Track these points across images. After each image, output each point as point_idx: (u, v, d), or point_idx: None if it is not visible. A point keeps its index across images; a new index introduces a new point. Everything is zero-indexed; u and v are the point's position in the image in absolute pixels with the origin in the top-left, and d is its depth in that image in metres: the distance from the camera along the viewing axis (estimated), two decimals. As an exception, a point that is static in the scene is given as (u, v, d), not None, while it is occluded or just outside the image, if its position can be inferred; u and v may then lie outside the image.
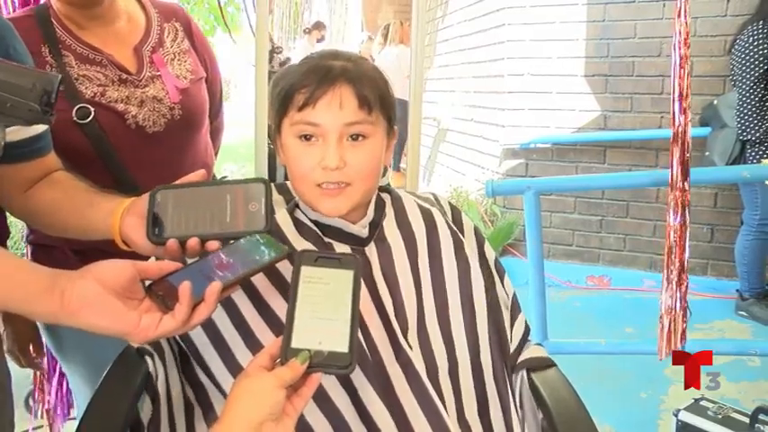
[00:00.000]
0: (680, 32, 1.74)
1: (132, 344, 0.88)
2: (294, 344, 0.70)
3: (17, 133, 0.88)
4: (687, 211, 1.82)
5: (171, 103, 1.17)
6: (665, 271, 1.85)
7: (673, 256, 1.83)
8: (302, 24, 9.88)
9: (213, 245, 0.78)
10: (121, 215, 0.84)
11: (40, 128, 0.92)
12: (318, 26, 8.18)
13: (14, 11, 1.44)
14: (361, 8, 9.36)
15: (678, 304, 1.84)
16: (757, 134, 2.90)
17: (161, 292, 0.73)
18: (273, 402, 0.66)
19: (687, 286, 1.85)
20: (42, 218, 0.95)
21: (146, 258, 0.84)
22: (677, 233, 1.82)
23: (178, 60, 1.22)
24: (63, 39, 1.12)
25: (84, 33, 1.14)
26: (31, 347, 1.28)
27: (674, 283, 1.83)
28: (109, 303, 0.70)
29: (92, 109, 1.09)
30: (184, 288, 0.71)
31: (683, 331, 1.85)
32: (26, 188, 0.94)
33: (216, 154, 1.43)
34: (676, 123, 1.78)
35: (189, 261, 0.83)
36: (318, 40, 7.74)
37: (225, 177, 1.37)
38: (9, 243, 1.24)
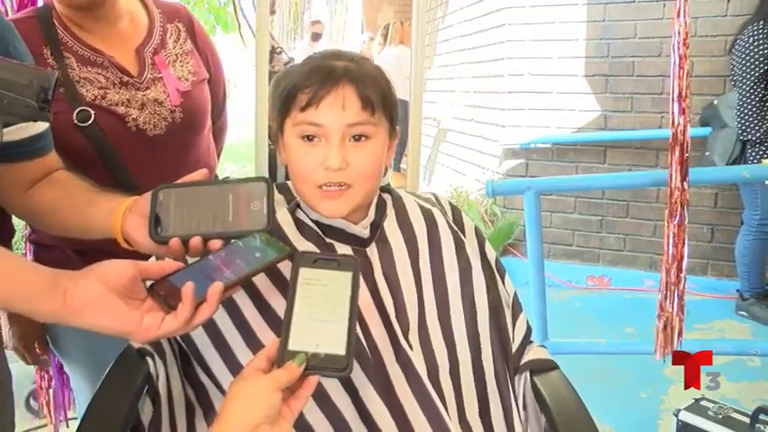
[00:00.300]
0: (679, 33, 1.74)
1: (133, 344, 0.88)
2: (291, 346, 0.69)
3: (18, 132, 0.88)
4: (686, 211, 1.83)
5: (172, 106, 1.17)
6: (663, 271, 1.86)
7: (670, 258, 1.84)
8: (302, 25, 9.87)
9: (215, 244, 0.78)
10: (123, 214, 0.83)
11: (41, 127, 0.92)
12: (315, 23, 8.18)
13: (15, 12, 1.44)
14: (362, 8, 9.35)
15: (675, 304, 1.85)
16: (757, 134, 2.90)
17: (163, 292, 0.73)
18: (269, 405, 0.65)
19: (685, 286, 1.86)
20: (43, 217, 0.95)
21: (146, 258, 0.84)
22: (675, 233, 1.83)
23: (180, 62, 1.22)
24: (65, 41, 1.12)
25: (85, 35, 1.14)
26: (36, 345, 1.28)
27: (671, 283, 1.84)
28: (111, 303, 0.70)
29: (92, 112, 1.09)
30: (187, 288, 0.71)
31: (680, 331, 1.85)
32: (27, 188, 0.94)
33: (219, 155, 1.43)
34: (675, 124, 1.78)
35: (190, 261, 0.83)
36: (315, 38, 7.74)
37: (227, 178, 1.37)
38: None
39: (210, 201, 0.80)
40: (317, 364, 0.69)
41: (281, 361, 0.68)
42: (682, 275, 1.84)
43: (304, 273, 0.74)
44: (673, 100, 1.78)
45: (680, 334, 1.86)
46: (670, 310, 1.85)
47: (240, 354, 0.87)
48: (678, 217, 1.82)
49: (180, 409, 0.90)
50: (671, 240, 1.83)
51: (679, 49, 1.75)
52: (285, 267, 0.88)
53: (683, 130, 1.78)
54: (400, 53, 5.74)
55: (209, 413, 0.90)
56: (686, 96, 1.77)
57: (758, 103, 2.89)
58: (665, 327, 1.86)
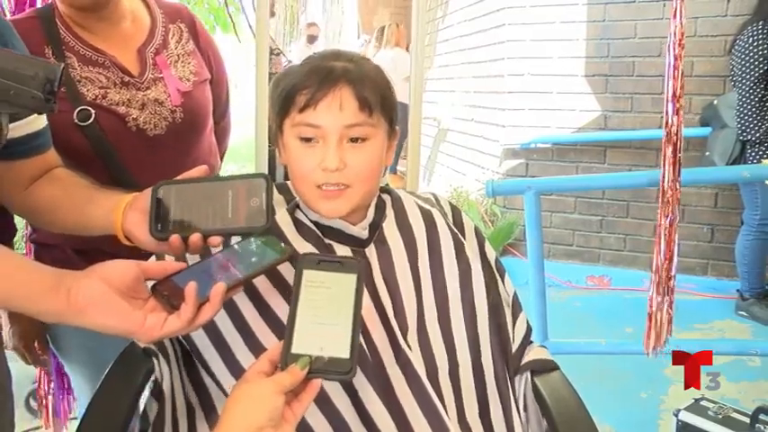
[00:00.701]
0: (675, 33, 1.75)
1: (139, 344, 0.88)
2: (294, 349, 0.69)
3: (17, 130, 0.88)
4: (677, 210, 1.85)
5: (172, 106, 1.17)
6: (654, 267, 1.88)
7: (661, 256, 1.86)
8: (298, 27, 9.87)
9: (215, 240, 0.78)
10: (123, 211, 0.84)
11: (40, 124, 0.92)
12: (310, 26, 8.21)
13: (12, 12, 1.44)
14: (357, 11, 9.34)
15: (665, 301, 1.87)
16: (757, 134, 2.90)
17: (166, 292, 0.73)
18: (272, 408, 0.65)
19: (674, 284, 1.88)
20: (43, 215, 0.95)
21: (147, 257, 0.84)
22: (667, 231, 1.85)
23: (182, 62, 1.22)
24: (66, 40, 1.12)
25: (87, 35, 1.14)
26: (36, 344, 1.28)
27: (661, 279, 1.86)
28: (114, 303, 0.70)
29: (93, 111, 1.09)
30: (190, 288, 0.71)
31: (669, 329, 1.87)
32: (27, 185, 0.94)
33: (222, 156, 1.42)
34: (669, 123, 1.80)
35: (190, 258, 0.83)
36: (311, 40, 7.74)
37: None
38: (9, 243, 1.23)
39: (210, 197, 0.80)
40: (320, 367, 0.68)
41: (285, 364, 0.68)
42: (672, 273, 1.86)
43: (308, 275, 0.74)
44: (667, 100, 1.80)
45: (669, 331, 1.88)
46: (659, 307, 1.88)
47: (240, 355, 0.87)
48: (670, 216, 1.84)
49: (181, 411, 0.90)
50: (662, 239, 1.85)
51: (674, 49, 1.76)
52: (284, 268, 0.88)
53: (677, 130, 1.79)
54: (395, 55, 5.73)
55: (211, 415, 0.89)
56: (680, 96, 1.79)
57: (758, 103, 2.89)
58: (654, 324, 1.89)
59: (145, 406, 0.86)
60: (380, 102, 0.89)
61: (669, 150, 1.81)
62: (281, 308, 0.87)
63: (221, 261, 0.77)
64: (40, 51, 1.08)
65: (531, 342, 1.02)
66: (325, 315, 0.72)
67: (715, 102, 3.18)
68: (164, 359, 0.88)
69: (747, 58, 2.87)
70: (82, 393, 1.29)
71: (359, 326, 0.72)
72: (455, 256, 0.98)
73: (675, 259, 1.87)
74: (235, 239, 0.83)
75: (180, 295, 0.72)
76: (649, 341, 1.91)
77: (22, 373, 1.38)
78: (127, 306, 0.71)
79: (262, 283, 0.88)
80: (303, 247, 0.91)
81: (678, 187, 1.83)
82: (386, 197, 1.01)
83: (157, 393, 0.87)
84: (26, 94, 0.74)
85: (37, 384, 1.61)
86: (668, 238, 1.85)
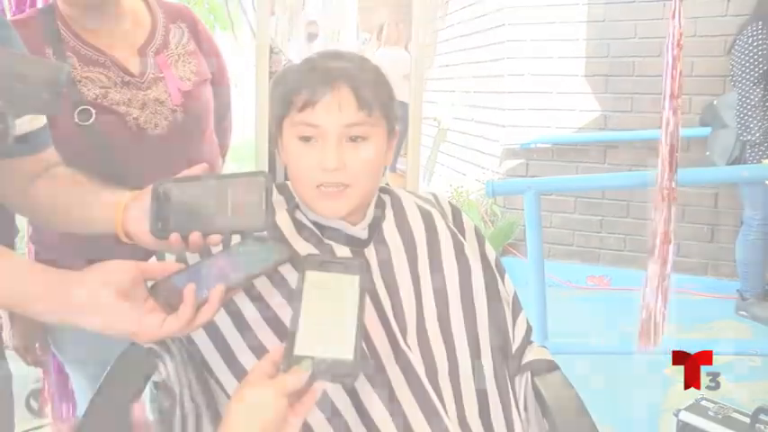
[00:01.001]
0: (673, 34, 1.76)
1: (142, 344, 0.88)
2: (297, 351, 0.68)
3: (16, 129, 0.88)
4: (672, 209, 1.86)
5: (173, 106, 1.17)
6: (649, 264, 1.88)
7: (656, 254, 1.87)
8: (297, 26, 9.88)
9: (215, 239, 0.78)
10: (123, 209, 0.84)
11: (39, 123, 0.92)
12: (310, 24, 8.21)
13: (12, 12, 1.44)
14: (357, 9, 9.35)
15: (659, 301, 1.88)
16: (757, 134, 2.90)
17: (165, 293, 0.73)
18: (275, 410, 0.65)
19: (669, 283, 1.89)
20: (43, 213, 0.95)
21: (146, 257, 0.84)
22: (662, 229, 1.85)
23: (182, 62, 1.22)
24: (67, 40, 1.12)
25: (88, 35, 1.14)
26: (36, 345, 1.28)
27: (657, 276, 1.87)
28: (113, 303, 0.70)
29: (93, 111, 1.09)
30: (189, 289, 0.71)
31: (663, 327, 1.88)
32: (27, 184, 0.94)
33: (224, 156, 1.42)
34: (666, 123, 1.80)
35: (190, 258, 0.83)
36: (310, 39, 7.73)
37: None
38: (9, 243, 1.23)
39: (210, 195, 0.80)
40: (323, 369, 0.68)
41: (287, 366, 0.68)
42: (667, 273, 1.87)
43: (310, 276, 0.74)
44: (664, 98, 1.80)
45: (662, 330, 1.89)
46: (653, 305, 1.89)
47: (242, 356, 0.87)
48: (665, 213, 1.84)
49: (189, 410, 0.90)
50: (658, 237, 1.86)
51: (673, 49, 1.76)
52: (286, 269, 0.88)
53: (674, 130, 1.80)
54: (395, 54, 5.72)
55: (215, 417, 0.89)
56: (678, 96, 1.79)
57: (758, 103, 2.88)
58: (648, 321, 1.90)
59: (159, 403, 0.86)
60: (379, 101, 0.90)
61: (666, 150, 1.81)
62: (282, 309, 0.87)
63: (221, 262, 0.77)
64: (40, 51, 1.08)
65: (531, 342, 1.02)
66: (327, 317, 0.71)
67: (715, 102, 3.17)
68: (170, 360, 0.88)
69: (747, 58, 2.87)
70: (82, 394, 1.29)
71: (362, 327, 0.71)
72: (455, 256, 0.98)
73: (671, 259, 1.87)
74: (235, 239, 0.83)
75: (179, 296, 0.72)
76: (641, 339, 1.92)
77: (22, 373, 1.38)
78: (125, 306, 0.71)
79: (263, 283, 0.88)
80: (303, 247, 0.91)
81: (674, 186, 1.84)
82: (385, 197, 1.01)
83: (165, 393, 0.87)
84: (32, 95, 0.74)
85: (41, 384, 1.61)
86: (663, 237, 1.85)
